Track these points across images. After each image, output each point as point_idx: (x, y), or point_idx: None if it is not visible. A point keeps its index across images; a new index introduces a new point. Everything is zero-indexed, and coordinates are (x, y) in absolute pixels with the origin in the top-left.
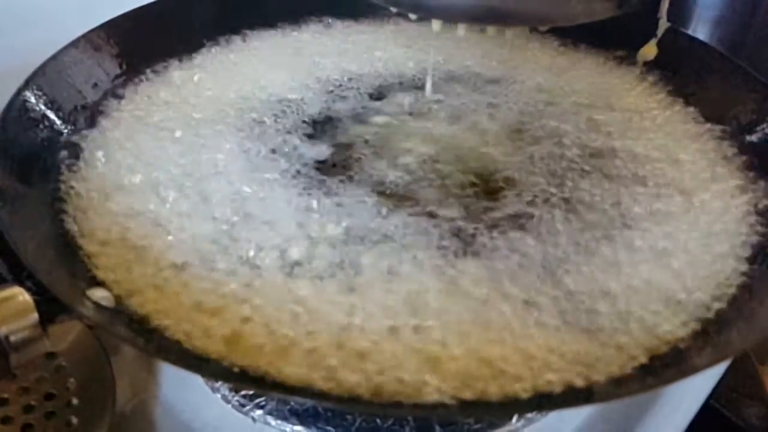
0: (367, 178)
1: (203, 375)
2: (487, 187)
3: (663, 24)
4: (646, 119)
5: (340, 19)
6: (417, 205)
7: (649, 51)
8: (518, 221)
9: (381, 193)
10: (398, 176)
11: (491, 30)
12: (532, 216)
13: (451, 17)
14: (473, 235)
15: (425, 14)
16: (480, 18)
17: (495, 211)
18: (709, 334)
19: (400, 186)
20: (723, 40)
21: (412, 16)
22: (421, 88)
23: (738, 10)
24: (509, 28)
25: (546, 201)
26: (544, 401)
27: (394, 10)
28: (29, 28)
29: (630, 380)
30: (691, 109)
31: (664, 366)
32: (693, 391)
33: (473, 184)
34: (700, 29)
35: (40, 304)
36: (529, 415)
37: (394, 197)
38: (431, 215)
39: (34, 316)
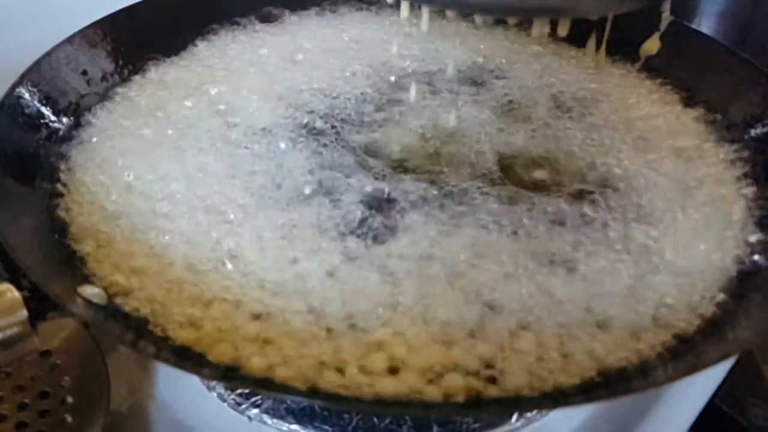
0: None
1: (195, 373)
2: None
3: (666, 18)
4: (648, 114)
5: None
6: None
7: (652, 45)
8: (506, 214)
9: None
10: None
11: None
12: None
13: (469, 8)
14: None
15: (451, 7)
16: (499, 11)
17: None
18: (711, 332)
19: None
20: (728, 34)
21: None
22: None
23: (742, 3)
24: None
25: (537, 194)
26: (543, 400)
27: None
28: (25, 26)
29: (633, 377)
30: (695, 103)
31: (667, 362)
32: (696, 390)
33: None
34: (704, 23)
35: (30, 301)
36: (529, 414)
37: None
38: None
39: (23, 313)
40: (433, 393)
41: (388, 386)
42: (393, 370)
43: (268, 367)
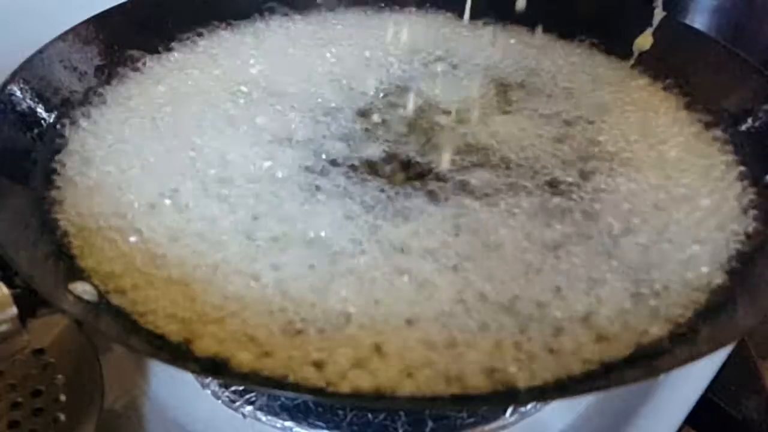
0: None
1: (180, 367)
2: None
3: (659, 13)
4: (641, 109)
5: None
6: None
7: (645, 41)
8: (493, 197)
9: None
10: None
11: None
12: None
13: None
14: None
15: None
16: None
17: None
18: (706, 322)
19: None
20: (720, 30)
21: None
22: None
23: None
24: None
25: (530, 185)
26: (540, 392)
27: None
28: (17, 24)
29: (633, 366)
30: (688, 98)
31: (666, 351)
32: (690, 384)
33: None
34: (697, 19)
35: (21, 299)
36: (523, 408)
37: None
38: None
39: (13, 310)
40: (410, 387)
41: (365, 380)
42: (364, 365)
43: (256, 361)
